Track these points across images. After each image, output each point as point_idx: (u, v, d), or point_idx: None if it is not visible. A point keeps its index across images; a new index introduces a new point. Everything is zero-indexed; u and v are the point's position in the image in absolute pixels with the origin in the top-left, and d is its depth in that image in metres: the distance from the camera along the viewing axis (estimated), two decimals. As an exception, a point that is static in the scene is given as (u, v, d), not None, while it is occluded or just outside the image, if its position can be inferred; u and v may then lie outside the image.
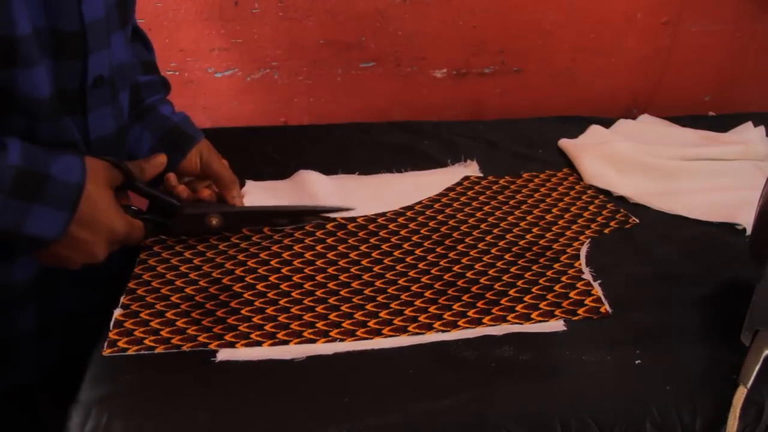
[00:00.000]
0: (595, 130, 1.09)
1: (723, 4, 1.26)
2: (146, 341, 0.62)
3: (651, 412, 0.56)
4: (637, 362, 0.61)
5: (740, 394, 0.56)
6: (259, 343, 0.62)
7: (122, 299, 0.67)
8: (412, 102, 1.25)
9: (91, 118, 0.67)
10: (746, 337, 0.60)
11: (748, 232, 0.80)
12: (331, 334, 0.64)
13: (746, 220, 0.81)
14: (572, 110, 1.20)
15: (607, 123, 1.12)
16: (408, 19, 1.18)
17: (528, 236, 0.81)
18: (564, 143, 1.04)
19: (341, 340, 0.63)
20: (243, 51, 1.14)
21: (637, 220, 0.85)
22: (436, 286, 0.71)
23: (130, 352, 0.60)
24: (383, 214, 0.84)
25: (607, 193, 0.91)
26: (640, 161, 0.96)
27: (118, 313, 0.65)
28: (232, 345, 0.62)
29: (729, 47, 1.30)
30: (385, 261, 0.75)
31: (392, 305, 0.68)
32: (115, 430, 0.53)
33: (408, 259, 0.76)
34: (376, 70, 1.21)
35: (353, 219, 0.83)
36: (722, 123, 1.11)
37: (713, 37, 1.28)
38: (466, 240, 0.80)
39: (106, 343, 0.61)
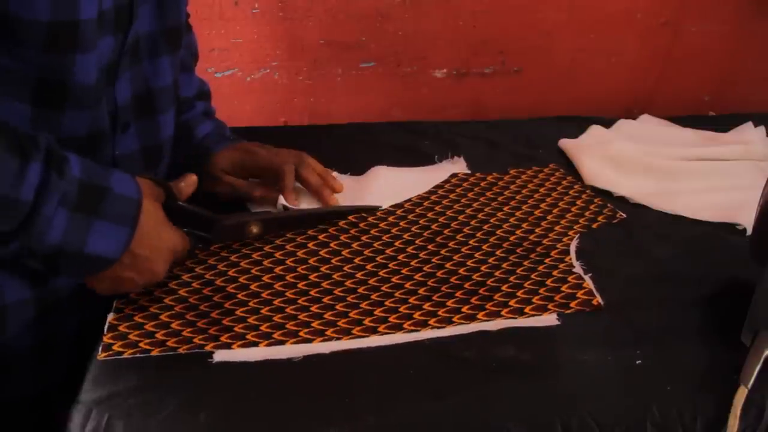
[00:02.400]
0: (595, 130, 1.09)
1: (723, 4, 1.26)
2: (141, 344, 0.61)
3: (651, 412, 0.56)
4: (637, 362, 0.61)
5: (741, 395, 0.56)
6: (255, 344, 0.62)
7: (115, 303, 0.66)
8: (412, 102, 1.25)
9: (118, 85, 0.67)
10: (746, 337, 0.60)
11: (748, 232, 0.80)
12: (327, 333, 0.64)
13: (746, 220, 0.81)
14: (572, 110, 1.20)
15: (607, 123, 1.12)
16: (408, 19, 1.18)
17: (518, 232, 0.81)
18: (564, 143, 1.04)
19: (337, 338, 0.63)
20: (243, 51, 1.15)
21: (624, 215, 0.86)
22: (429, 283, 0.71)
23: (125, 356, 0.60)
24: (373, 213, 0.84)
25: (603, 192, 0.91)
26: (640, 161, 0.96)
27: (111, 317, 0.64)
28: (228, 346, 0.62)
29: (729, 47, 1.30)
30: (378, 259, 0.75)
31: (387, 303, 0.68)
32: (115, 430, 0.53)
33: (400, 257, 0.76)
34: (376, 70, 1.21)
35: (345, 217, 0.83)
36: (722, 123, 1.11)
37: (713, 37, 1.28)
38: (457, 237, 0.80)
39: (100, 347, 0.61)
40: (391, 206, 0.86)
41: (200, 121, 0.87)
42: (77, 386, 0.58)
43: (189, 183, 0.72)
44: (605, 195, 0.91)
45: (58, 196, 0.54)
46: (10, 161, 0.51)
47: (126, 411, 0.54)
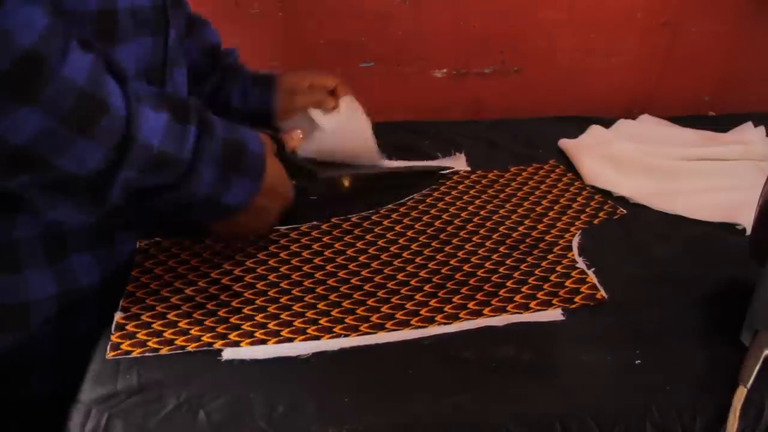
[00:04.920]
0: (595, 130, 1.09)
1: (723, 4, 1.26)
2: (149, 343, 0.62)
3: (651, 412, 0.56)
4: (637, 362, 0.61)
5: (740, 394, 0.56)
6: (263, 342, 0.62)
7: (121, 302, 0.67)
8: (412, 102, 1.25)
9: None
10: (746, 337, 0.60)
11: (748, 232, 0.81)
12: (334, 330, 0.64)
13: (746, 220, 0.81)
14: (572, 110, 1.20)
15: (607, 123, 1.12)
16: (408, 19, 1.18)
17: (520, 228, 0.82)
18: (564, 143, 1.04)
19: (345, 335, 0.63)
20: (243, 51, 1.14)
21: (625, 211, 0.86)
22: (434, 279, 0.72)
23: (134, 355, 0.60)
24: (377, 212, 0.85)
25: (603, 192, 0.91)
26: (640, 161, 0.96)
27: (118, 316, 0.65)
28: (236, 344, 0.62)
29: (729, 47, 1.30)
30: (382, 257, 0.76)
31: (393, 300, 0.68)
32: (115, 430, 0.53)
33: (405, 254, 0.76)
34: (376, 70, 1.21)
35: (347, 218, 0.83)
36: (722, 123, 1.11)
37: (713, 37, 1.28)
38: (461, 234, 0.80)
39: (108, 346, 0.61)
40: (391, 205, 0.86)
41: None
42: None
43: (295, 137, 0.80)
44: (605, 195, 0.91)
45: (208, 155, 0.60)
46: (175, 126, 0.57)
47: (126, 411, 0.54)
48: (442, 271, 0.73)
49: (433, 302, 0.68)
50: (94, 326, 0.70)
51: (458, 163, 0.98)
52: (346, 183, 0.83)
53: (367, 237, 0.79)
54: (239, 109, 0.91)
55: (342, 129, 0.91)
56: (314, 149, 0.89)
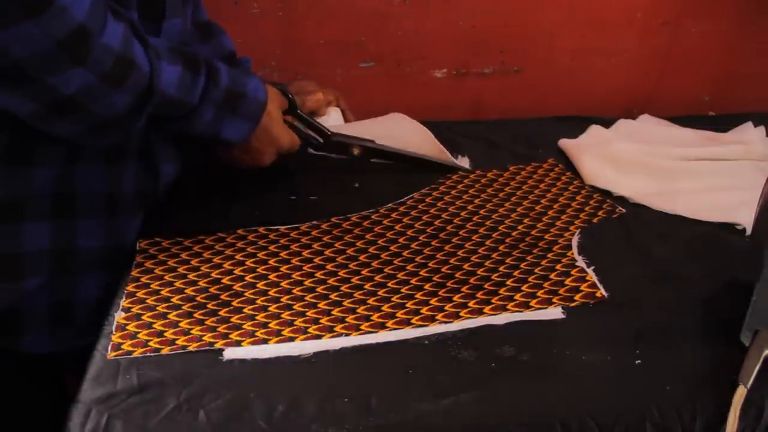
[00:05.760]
0: (595, 130, 1.09)
1: (723, 4, 1.26)
2: (151, 343, 0.62)
3: (651, 412, 0.56)
4: (637, 362, 0.61)
5: (740, 394, 0.56)
6: (265, 341, 0.62)
7: (122, 302, 0.67)
8: (412, 102, 1.25)
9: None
10: (746, 337, 0.60)
11: (748, 232, 0.81)
12: (336, 329, 0.64)
13: (746, 220, 0.81)
14: (572, 110, 1.20)
15: (607, 123, 1.12)
16: (408, 19, 1.18)
17: (520, 227, 0.82)
18: (564, 143, 1.04)
19: (346, 334, 0.63)
20: (243, 51, 1.14)
21: (623, 210, 0.86)
22: (434, 278, 0.72)
23: (135, 355, 0.60)
24: (376, 211, 0.85)
25: (603, 192, 0.91)
26: (640, 161, 0.96)
27: (120, 316, 0.65)
28: (238, 344, 0.62)
29: (729, 47, 1.30)
30: (382, 256, 0.76)
31: (393, 299, 0.69)
32: (115, 430, 0.53)
33: (405, 253, 0.76)
34: (376, 70, 1.21)
35: (347, 217, 0.83)
36: (722, 123, 1.11)
37: (713, 37, 1.28)
38: (460, 233, 0.81)
39: (110, 347, 0.61)
40: (391, 204, 0.87)
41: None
42: (89, 348, 0.61)
43: (313, 99, 0.98)
44: (605, 195, 0.91)
45: (211, 99, 0.74)
46: (187, 75, 0.70)
47: (126, 411, 0.54)
48: (443, 270, 0.73)
49: (433, 301, 0.68)
50: (92, 292, 0.73)
51: (462, 162, 0.98)
52: (356, 151, 0.91)
53: (367, 236, 0.79)
54: None
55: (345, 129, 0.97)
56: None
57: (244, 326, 0.64)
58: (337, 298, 0.68)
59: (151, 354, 0.60)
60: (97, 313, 0.69)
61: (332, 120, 1.01)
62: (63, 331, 0.74)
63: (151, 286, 0.70)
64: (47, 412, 0.74)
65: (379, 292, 0.69)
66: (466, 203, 0.88)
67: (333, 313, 0.66)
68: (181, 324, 0.64)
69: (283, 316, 0.66)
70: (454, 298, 0.69)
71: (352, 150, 0.92)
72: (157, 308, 0.66)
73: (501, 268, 0.74)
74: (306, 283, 0.71)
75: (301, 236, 0.79)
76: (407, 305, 0.68)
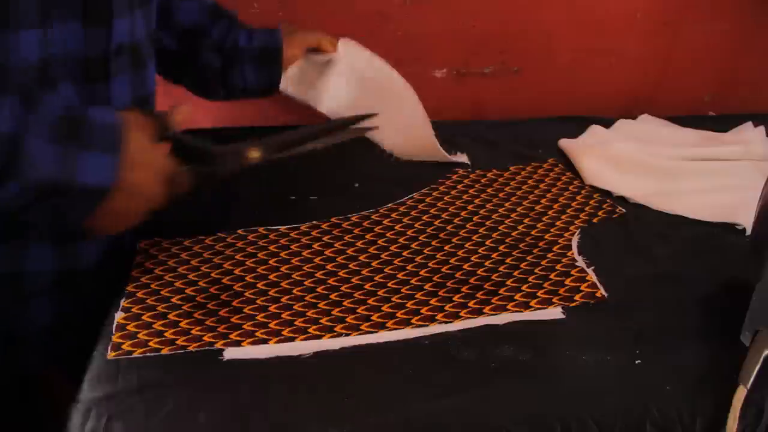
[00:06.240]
0: (595, 130, 1.09)
1: (723, 4, 1.26)
2: (151, 343, 0.62)
3: (651, 412, 0.56)
4: (637, 362, 0.61)
5: (740, 394, 0.56)
6: (265, 341, 0.62)
7: (122, 303, 0.67)
8: (412, 102, 1.25)
9: (113, 84, 0.68)
10: (746, 337, 0.60)
11: (748, 232, 0.80)
12: (335, 329, 0.64)
13: (746, 220, 0.81)
14: (572, 110, 1.20)
15: (607, 123, 1.12)
16: (408, 19, 1.18)
17: (520, 227, 0.82)
18: (564, 143, 1.04)
19: (346, 335, 0.63)
20: (243, 51, 1.14)
21: (623, 210, 0.86)
22: (434, 278, 0.72)
23: (135, 355, 0.60)
24: (376, 211, 0.85)
25: (603, 192, 0.91)
26: (640, 161, 0.96)
27: (119, 316, 0.65)
28: (238, 343, 0.62)
29: (729, 47, 1.30)
30: (382, 256, 0.76)
31: (393, 299, 0.69)
32: (115, 430, 0.53)
33: (405, 253, 0.76)
34: (376, 70, 1.21)
35: (347, 218, 0.83)
36: (722, 123, 1.11)
37: (713, 37, 1.28)
38: (460, 233, 0.81)
39: (110, 347, 0.61)
40: (391, 204, 0.87)
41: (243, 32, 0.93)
42: (83, 363, 0.60)
43: (182, 112, 0.68)
44: (605, 195, 0.91)
45: (36, 130, 0.56)
46: None
47: (125, 411, 0.54)
48: (443, 270, 0.73)
49: (433, 301, 0.68)
50: (90, 305, 0.71)
51: (461, 159, 0.99)
52: (255, 154, 0.70)
53: (367, 236, 0.79)
54: (247, 49, 0.91)
55: (354, 58, 0.94)
56: (331, 94, 0.93)
57: (244, 326, 0.64)
58: (337, 298, 0.68)
59: (151, 354, 0.60)
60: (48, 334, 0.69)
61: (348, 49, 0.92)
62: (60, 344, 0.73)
63: (151, 286, 0.70)
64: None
65: (379, 292, 0.69)
66: (466, 203, 0.88)
67: (333, 313, 0.66)
68: (181, 324, 0.64)
69: (283, 316, 0.66)
70: (454, 298, 0.69)
71: (249, 154, 0.71)
72: (157, 308, 0.66)
73: (501, 268, 0.74)
74: (306, 283, 0.71)
75: (301, 236, 0.79)
76: (407, 305, 0.68)
